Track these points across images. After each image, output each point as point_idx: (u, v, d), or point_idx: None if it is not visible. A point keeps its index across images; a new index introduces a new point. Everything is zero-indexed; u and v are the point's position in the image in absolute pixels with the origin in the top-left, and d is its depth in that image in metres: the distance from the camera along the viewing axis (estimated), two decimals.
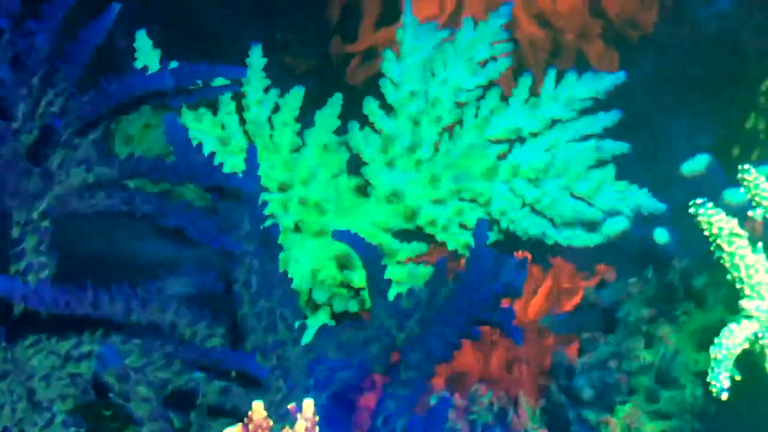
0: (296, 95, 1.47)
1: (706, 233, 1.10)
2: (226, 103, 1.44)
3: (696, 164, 1.47)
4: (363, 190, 1.46)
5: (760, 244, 1.11)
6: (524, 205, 1.42)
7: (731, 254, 1.09)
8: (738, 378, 1.07)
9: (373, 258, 1.22)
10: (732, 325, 1.08)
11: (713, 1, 2.06)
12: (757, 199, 1.11)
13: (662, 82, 2.03)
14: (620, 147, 1.47)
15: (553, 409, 1.33)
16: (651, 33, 1.95)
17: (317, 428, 0.92)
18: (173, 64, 1.33)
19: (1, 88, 1.16)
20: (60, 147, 1.20)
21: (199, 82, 1.30)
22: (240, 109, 1.45)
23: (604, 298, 1.39)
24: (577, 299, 1.50)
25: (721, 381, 1.05)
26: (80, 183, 1.20)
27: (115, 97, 1.21)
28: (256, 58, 1.44)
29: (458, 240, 1.45)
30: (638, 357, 1.32)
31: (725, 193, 1.36)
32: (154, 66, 1.40)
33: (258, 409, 0.89)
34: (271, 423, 0.91)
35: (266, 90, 1.45)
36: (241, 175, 1.25)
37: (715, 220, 1.09)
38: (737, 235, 1.09)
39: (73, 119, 1.20)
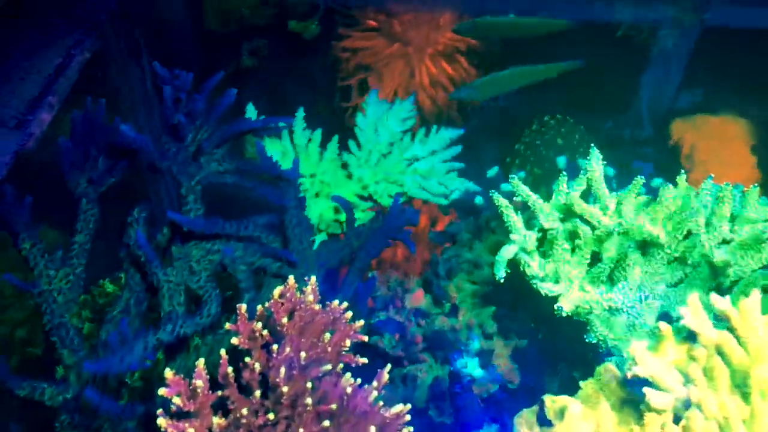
0: (319, 132, 1.37)
1: (496, 204, 1.08)
2: (285, 134, 1.36)
3: (492, 171, 1.46)
4: (349, 177, 1.38)
5: (519, 212, 1.09)
6: (420, 187, 1.34)
7: (506, 215, 1.07)
8: (508, 271, 1.05)
9: (348, 208, 1.19)
10: (505, 246, 1.06)
11: (499, 99, 1.97)
12: (517, 192, 1.08)
13: (481, 132, 1.94)
14: (459, 165, 1.38)
15: (427, 280, 1.29)
16: (476, 108, 1.90)
17: (317, 287, 0.93)
18: (261, 116, 1.30)
19: (180, 127, 1.13)
20: (206, 154, 1.19)
21: (272, 124, 1.28)
22: (292, 138, 1.37)
23: (452, 230, 1.35)
24: (442, 227, 1.46)
25: (500, 272, 1.04)
26: (215, 170, 1.17)
27: (234, 131, 1.18)
28: (299, 113, 1.35)
29: (386, 201, 1.38)
30: (464, 256, 1.30)
31: (502, 186, 1.33)
32: (253, 116, 1.35)
33: (291, 280, 0.90)
34: (296, 285, 0.91)
35: (304, 129, 1.37)
36: (290, 170, 1.23)
37: (500, 200, 1.07)
38: (508, 206, 1.07)
39: (214, 141, 1.17)
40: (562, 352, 1.22)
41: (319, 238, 1.31)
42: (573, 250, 1.06)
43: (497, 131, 1.95)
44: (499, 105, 2.00)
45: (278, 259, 1.16)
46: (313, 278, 0.93)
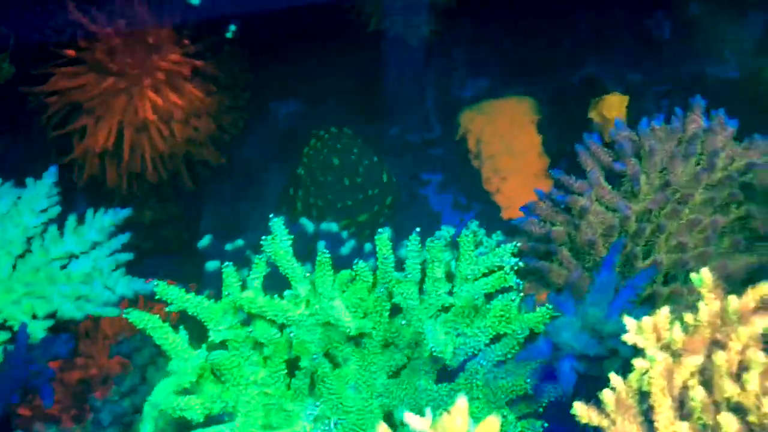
0: None
1: (135, 322, 0.81)
2: None
3: (204, 241, 1.20)
4: None
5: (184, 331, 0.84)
6: (79, 297, 1.02)
7: (156, 337, 0.79)
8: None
9: None
10: (162, 383, 0.79)
11: (285, 104, 1.84)
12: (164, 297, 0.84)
13: (262, 160, 1.79)
14: (127, 257, 1.09)
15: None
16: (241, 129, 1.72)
17: None
18: None
19: None
20: None
21: None
22: None
23: (127, 347, 1.03)
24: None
25: (147, 429, 0.76)
26: None
27: None
28: None
29: (31, 328, 0.98)
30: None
31: (207, 265, 1.13)
32: None
33: None
34: None
35: None
36: None
37: (141, 319, 0.81)
38: (156, 324, 0.79)
39: None
40: None
41: None
42: (266, 363, 0.84)
43: (279, 157, 1.77)
44: (279, 126, 1.84)
45: None
46: None
